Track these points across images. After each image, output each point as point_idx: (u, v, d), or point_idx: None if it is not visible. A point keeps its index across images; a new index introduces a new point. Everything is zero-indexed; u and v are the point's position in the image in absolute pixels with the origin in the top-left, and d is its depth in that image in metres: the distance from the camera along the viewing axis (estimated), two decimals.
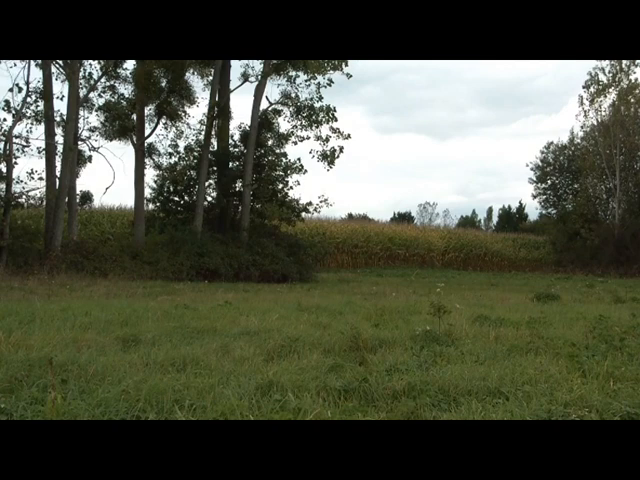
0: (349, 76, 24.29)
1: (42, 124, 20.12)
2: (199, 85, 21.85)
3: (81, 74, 21.05)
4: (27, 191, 19.32)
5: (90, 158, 22.17)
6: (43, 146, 19.81)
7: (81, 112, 21.24)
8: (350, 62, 24.36)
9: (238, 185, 23.98)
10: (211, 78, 23.80)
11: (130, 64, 22.65)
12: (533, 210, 60.80)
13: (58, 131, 20.41)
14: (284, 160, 24.50)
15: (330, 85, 24.50)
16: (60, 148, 20.05)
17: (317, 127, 24.81)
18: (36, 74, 24.12)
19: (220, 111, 23.14)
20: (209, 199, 24.10)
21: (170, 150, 24.07)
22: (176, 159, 24.25)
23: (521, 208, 53.69)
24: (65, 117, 20.09)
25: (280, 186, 24.40)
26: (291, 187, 24.40)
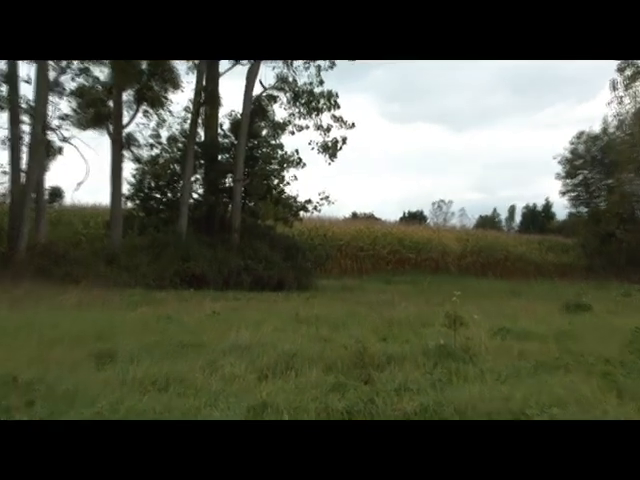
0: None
1: (6, 111, 20.14)
2: (183, 68, 22.05)
3: None
4: None
5: (60, 149, 22.19)
6: (7, 136, 19.83)
7: (50, 98, 21.25)
8: None
9: (228, 180, 23.99)
10: (197, 60, 23.84)
11: None
12: (561, 209, 60.64)
13: (24, 119, 20.43)
14: (280, 152, 24.52)
15: (332, 68, 24.54)
16: (27, 138, 20.07)
17: (317, 115, 24.84)
18: None
19: (208, 97, 23.15)
20: (195, 196, 24.13)
21: (151, 141, 24.08)
22: (158, 151, 24.28)
23: (548, 206, 53.73)
24: (32, 103, 20.10)
25: (275, 181, 24.45)
26: (288, 183, 24.48)
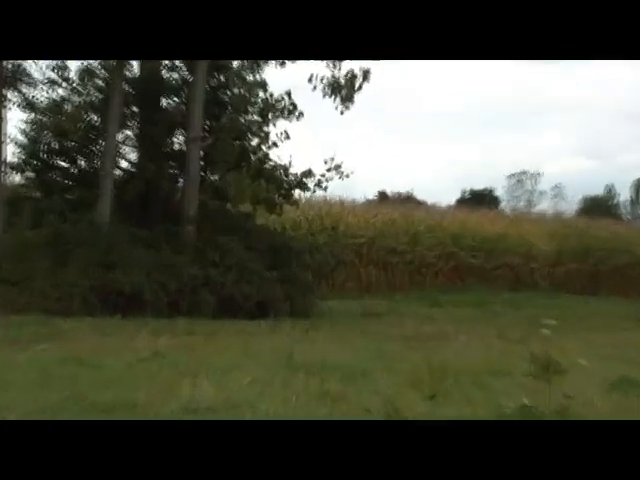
0: None
1: None
2: None
3: None
4: None
5: None
6: None
7: None
8: None
9: (178, 139, 24.00)
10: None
11: None
12: None
13: None
14: (262, 95, 24.48)
15: None
16: None
17: None
18: None
19: None
20: (125, 165, 24.16)
21: (53, 75, 24.05)
22: (64, 92, 24.24)
23: None
24: None
25: (255, 142, 24.40)
26: (274, 144, 24.36)
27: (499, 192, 58.38)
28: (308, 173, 24.47)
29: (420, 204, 43.73)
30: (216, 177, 24.22)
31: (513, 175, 59.81)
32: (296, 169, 24.57)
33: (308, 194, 26.30)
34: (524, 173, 59.59)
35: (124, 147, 24.12)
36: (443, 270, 35.70)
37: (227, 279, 20.93)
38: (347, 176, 24.73)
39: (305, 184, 24.66)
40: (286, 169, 24.52)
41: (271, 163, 24.45)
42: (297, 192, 25.12)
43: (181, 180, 23.74)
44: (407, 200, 45.23)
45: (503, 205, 54.72)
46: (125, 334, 14.33)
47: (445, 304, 27.17)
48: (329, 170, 24.39)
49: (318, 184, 24.73)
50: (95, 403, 7.15)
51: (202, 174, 23.75)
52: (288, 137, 24.49)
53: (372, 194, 46.69)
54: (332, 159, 24.43)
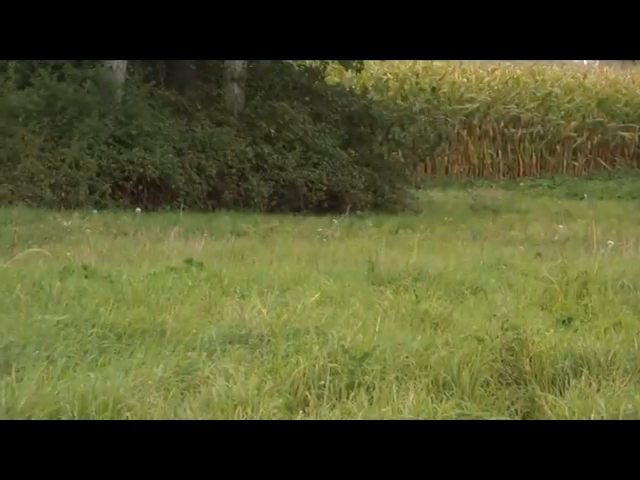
0: None
1: None
2: None
3: None
4: None
5: None
6: None
7: None
8: None
9: None
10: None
11: None
12: None
13: None
14: None
15: None
16: None
17: None
18: None
19: None
20: None
21: None
22: None
23: None
24: None
25: None
26: None
27: None
28: None
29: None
30: None
31: None
32: None
33: None
34: None
35: None
36: (585, 148, 35.17)
37: (287, 160, 20.76)
38: None
39: None
40: None
41: None
42: None
43: None
44: None
45: None
46: (148, 234, 14.55)
47: (588, 194, 26.92)
48: None
49: None
50: (109, 327, 7.28)
51: None
52: None
53: None
54: None
